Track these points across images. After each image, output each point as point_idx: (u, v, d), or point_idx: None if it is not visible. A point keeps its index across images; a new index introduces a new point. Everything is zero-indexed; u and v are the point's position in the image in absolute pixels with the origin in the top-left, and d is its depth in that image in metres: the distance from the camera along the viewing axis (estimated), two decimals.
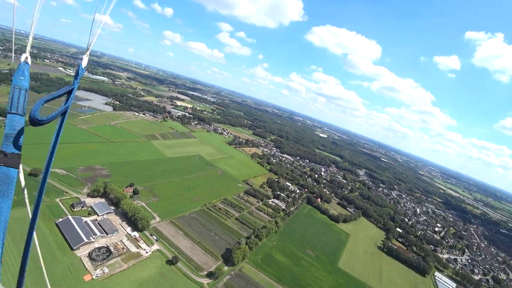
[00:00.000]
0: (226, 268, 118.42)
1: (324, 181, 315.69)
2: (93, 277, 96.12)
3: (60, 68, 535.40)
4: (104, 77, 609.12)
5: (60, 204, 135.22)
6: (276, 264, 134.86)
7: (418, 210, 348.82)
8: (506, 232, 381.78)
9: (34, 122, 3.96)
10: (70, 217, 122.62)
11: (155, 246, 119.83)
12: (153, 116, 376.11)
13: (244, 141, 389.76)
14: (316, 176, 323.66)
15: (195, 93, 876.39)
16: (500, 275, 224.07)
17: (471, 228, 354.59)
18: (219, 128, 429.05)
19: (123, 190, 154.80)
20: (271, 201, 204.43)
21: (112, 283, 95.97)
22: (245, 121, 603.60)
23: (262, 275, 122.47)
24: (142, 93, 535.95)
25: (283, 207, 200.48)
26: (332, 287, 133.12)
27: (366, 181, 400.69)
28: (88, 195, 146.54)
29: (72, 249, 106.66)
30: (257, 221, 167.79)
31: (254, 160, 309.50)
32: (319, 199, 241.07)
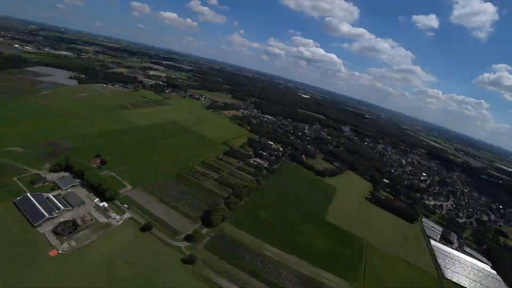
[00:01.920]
0: (205, 230, 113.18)
1: (308, 138, 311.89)
2: (59, 251, 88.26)
3: (17, 45, 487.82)
4: (68, 52, 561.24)
5: (18, 182, 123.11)
6: (260, 223, 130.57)
7: (403, 161, 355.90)
8: (486, 177, 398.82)
9: None
10: (28, 194, 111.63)
11: (127, 215, 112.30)
12: (124, 86, 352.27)
13: (222, 104, 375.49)
14: (300, 133, 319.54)
15: (170, 63, 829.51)
16: (483, 217, 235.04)
17: (454, 176, 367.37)
18: (195, 94, 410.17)
19: (88, 162, 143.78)
20: (253, 160, 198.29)
21: (81, 255, 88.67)
22: (224, 86, 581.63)
23: (246, 234, 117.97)
24: (111, 65, 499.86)
25: (266, 165, 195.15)
26: (321, 240, 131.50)
27: (351, 137, 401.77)
28: (51, 171, 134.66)
29: (33, 226, 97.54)
30: (238, 181, 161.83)
31: (233, 122, 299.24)
32: (303, 156, 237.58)
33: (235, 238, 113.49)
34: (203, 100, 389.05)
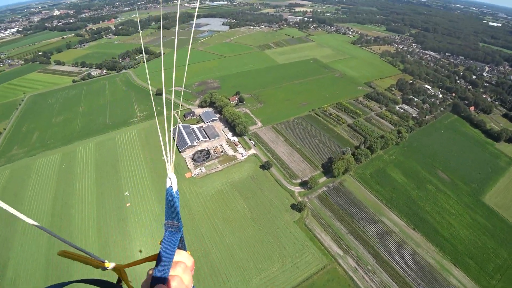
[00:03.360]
0: (324, 179, 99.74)
1: (485, 84, 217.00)
2: (193, 175, 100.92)
3: (186, 4, 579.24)
4: (223, 1, 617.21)
5: (176, 115, 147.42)
6: (389, 183, 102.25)
7: None
8: None
9: None
10: (180, 125, 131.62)
11: (252, 151, 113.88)
12: (269, 26, 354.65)
13: (372, 38, 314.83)
14: (474, 77, 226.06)
15: None
16: None
17: None
18: (342, 28, 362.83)
19: (228, 99, 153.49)
20: (399, 107, 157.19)
21: (206, 181, 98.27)
22: (377, 16, 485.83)
23: (367, 192, 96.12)
24: (259, 7, 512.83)
25: (415, 114, 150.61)
26: (464, 225, 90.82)
27: None
28: (199, 106, 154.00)
29: (179, 151, 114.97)
30: (374, 129, 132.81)
31: (383, 59, 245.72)
32: (472, 108, 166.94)
33: (354, 194, 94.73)
34: (350, 34, 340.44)
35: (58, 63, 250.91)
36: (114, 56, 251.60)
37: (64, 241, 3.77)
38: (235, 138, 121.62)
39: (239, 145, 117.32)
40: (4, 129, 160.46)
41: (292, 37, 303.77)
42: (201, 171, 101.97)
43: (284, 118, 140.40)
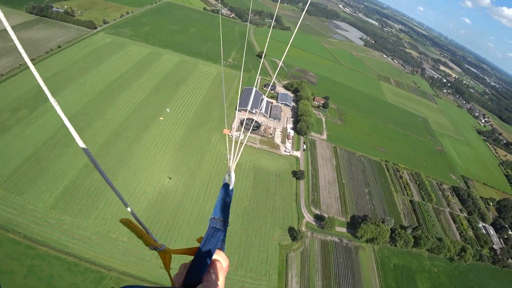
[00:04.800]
0: (343, 230, 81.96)
1: None
2: (229, 134, 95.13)
3: (340, 6, 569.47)
4: (375, 21, 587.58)
5: (259, 80, 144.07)
6: None
7: None
8: None
9: None
10: (254, 88, 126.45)
11: (297, 153, 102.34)
12: (401, 64, 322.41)
13: (505, 141, 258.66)
14: None
15: (473, 69, 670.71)
16: None
17: None
18: (477, 111, 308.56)
19: (313, 96, 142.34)
20: (483, 225, 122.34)
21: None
22: None
23: (376, 280, 74.58)
24: (405, 45, 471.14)
25: (496, 247, 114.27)
26: None
27: None
28: (283, 86, 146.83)
29: (235, 108, 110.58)
30: (437, 225, 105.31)
31: (501, 168, 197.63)
32: None
33: (360, 270, 74.36)
34: (483, 122, 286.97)
35: None
36: (248, 9, 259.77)
37: (132, 213, 3.56)
38: (292, 132, 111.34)
39: (290, 140, 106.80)
40: (132, 12, 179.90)
41: (418, 87, 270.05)
42: (239, 137, 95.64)
43: (352, 148, 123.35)
